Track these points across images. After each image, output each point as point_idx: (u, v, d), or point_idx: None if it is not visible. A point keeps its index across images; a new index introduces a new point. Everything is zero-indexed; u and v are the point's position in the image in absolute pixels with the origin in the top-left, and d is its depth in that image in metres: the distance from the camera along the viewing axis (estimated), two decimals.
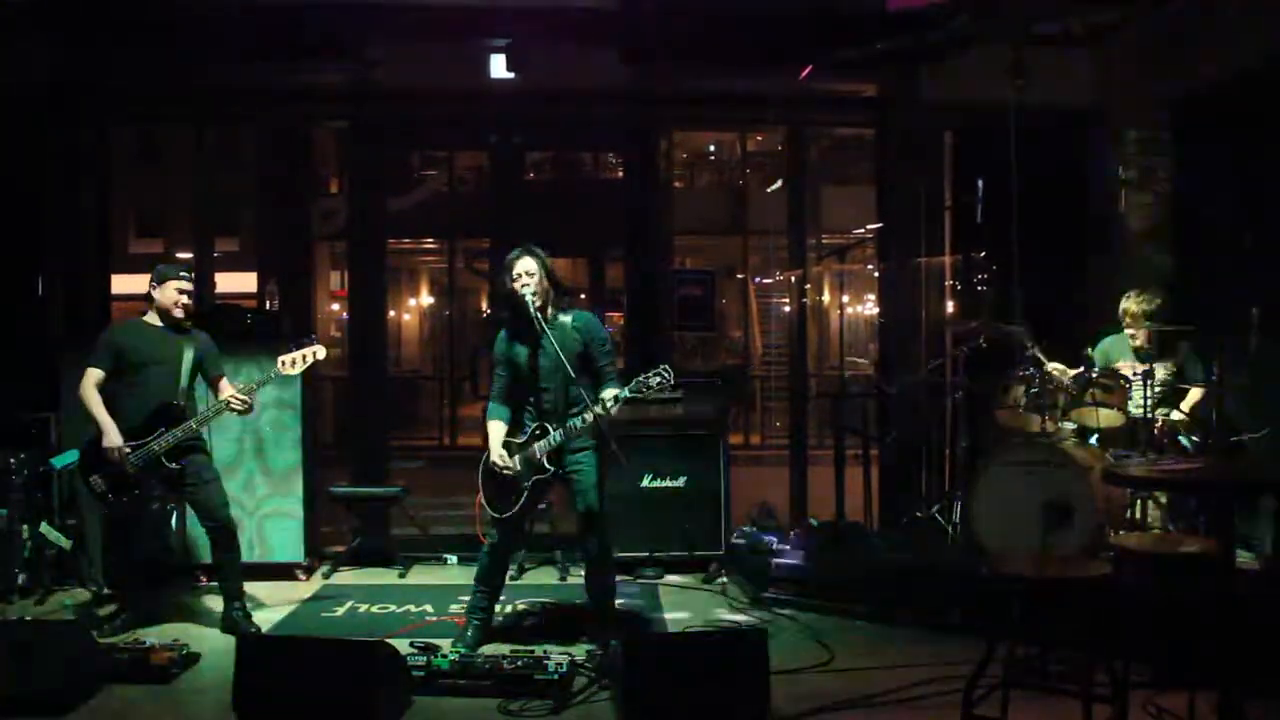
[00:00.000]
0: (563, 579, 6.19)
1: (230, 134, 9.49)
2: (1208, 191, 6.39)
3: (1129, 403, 5.42)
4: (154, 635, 4.93)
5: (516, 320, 4.70)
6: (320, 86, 7.15)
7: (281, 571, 6.17)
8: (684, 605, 5.65)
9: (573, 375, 4.51)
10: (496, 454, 4.65)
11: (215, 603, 5.29)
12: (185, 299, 5.07)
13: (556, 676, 4.14)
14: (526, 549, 6.41)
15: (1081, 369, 5.75)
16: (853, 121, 8.47)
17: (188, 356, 5.06)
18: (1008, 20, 6.14)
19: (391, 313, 15.75)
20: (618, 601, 5.08)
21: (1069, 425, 5.74)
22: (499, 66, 6.59)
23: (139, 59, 6.60)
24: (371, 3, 6.47)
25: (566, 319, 4.67)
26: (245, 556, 5.38)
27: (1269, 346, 5.21)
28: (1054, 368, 5.68)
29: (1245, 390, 5.55)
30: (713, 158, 18.47)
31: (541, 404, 4.68)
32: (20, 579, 5.77)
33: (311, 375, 5.38)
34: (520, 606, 5.54)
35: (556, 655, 4.29)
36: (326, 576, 6.33)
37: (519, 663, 4.22)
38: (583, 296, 10.53)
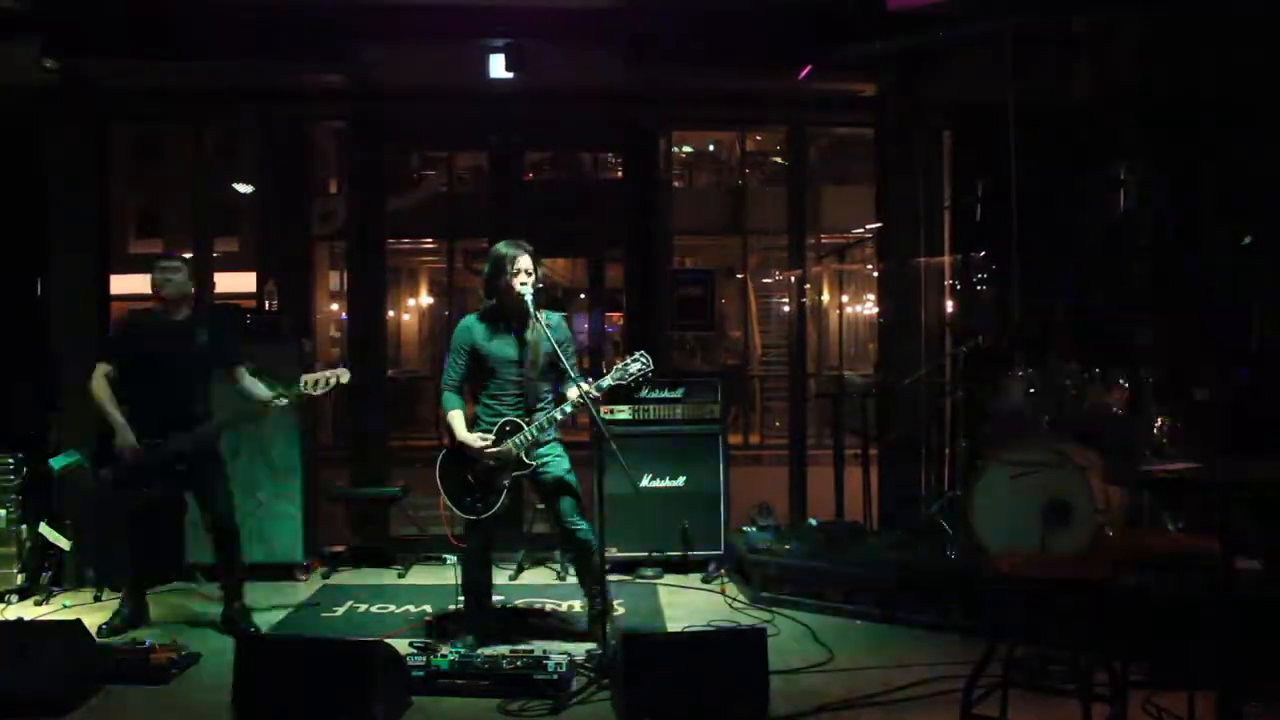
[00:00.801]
0: (561, 578, 6.19)
1: (230, 134, 9.48)
2: (1207, 191, 6.39)
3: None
4: (153, 635, 4.94)
5: (499, 313, 4.71)
6: (320, 86, 7.15)
7: (281, 571, 6.18)
8: (683, 605, 5.66)
9: (549, 371, 4.61)
10: (475, 440, 4.62)
11: (214, 602, 5.30)
12: (165, 275, 4.98)
13: (555, 676, 4.14)
14: (525, 549, 6.42)
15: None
16: (853, 121, 8.45)
17: (201, 350, 5.04)
18: (1008, 20, 6.13)
19: (391, 313, 15.74)
20: (617, 602, 5.09)
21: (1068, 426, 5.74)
22: (498, 66, 6.59)
23: (139, 59, 6.60)
24: (371, 3, 6.47)
25: (548, 318, 4.68)
26: (245, 556, 5.38)
27: (1268, 346, 5.21)
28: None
29: (1245, 390, 5.56)
30: (712, 157, 18.47)
31: (507, 398, 4.68)
32: (20, 579, 5.77)
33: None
34: (519, 606, 5.55)
35: (555, 655, 4.30)
36: (326, 576, 6.34)
37: (518, 662, 4.23)
38: (582, 296, 10.53)
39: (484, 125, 7.43)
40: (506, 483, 4.64)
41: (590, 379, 4.57)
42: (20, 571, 5.78)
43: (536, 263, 4.68)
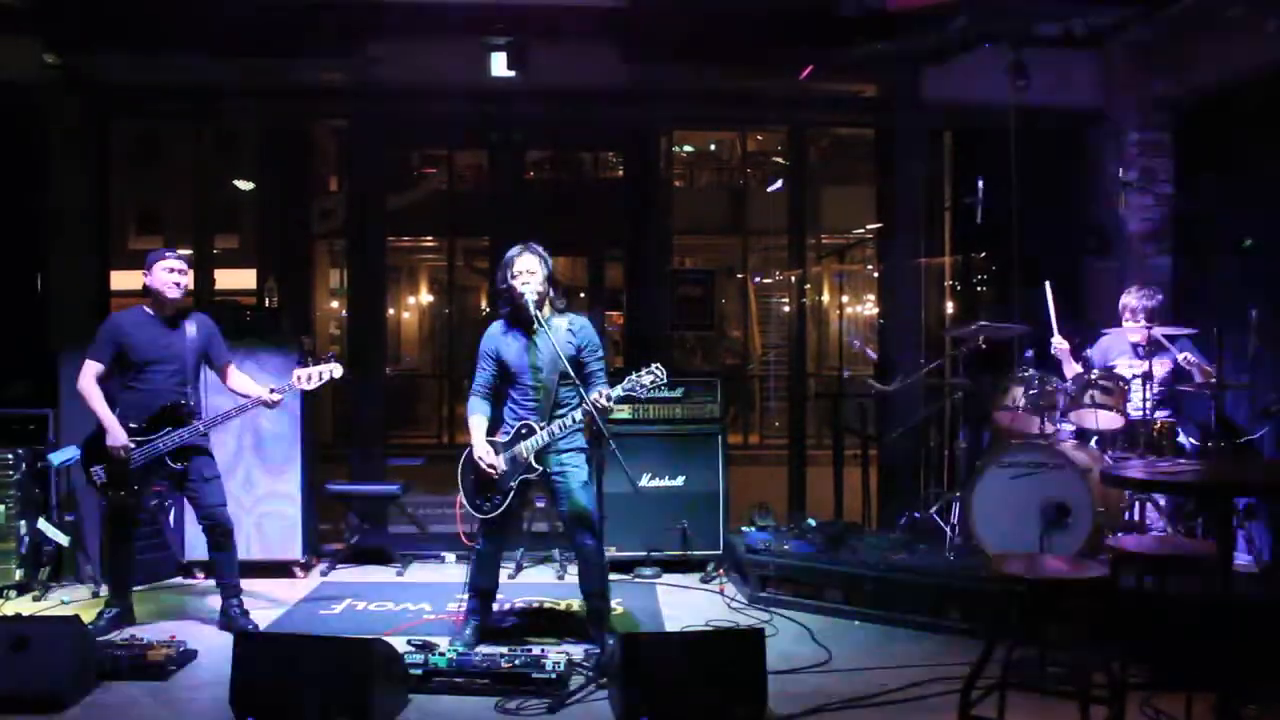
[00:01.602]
0: (560, 578, 6.19)
1: (230, 131, 9.48)
2: (1207, 192, 6.40)
3: (1127, 404, 5.42)
4: (151, 632, 4.93)
5: (513, 317, 4.70)
6: (320, 84, 7.14)
7: (279, 569, 6.18)
8: (682, 605, 5.65)
9: (565, 374, 4.52)
10: (481, 450, 4.64)
11: (213, 600, 5.29)
12: (177, 278, 4.99)
13: (554, 675, 4.14)
14: (525, 548, 6.42)
15: (1081, 369, 5.76)
16: (853, 121, 8.46)
17: (192, 346, 5.04)
18: (1008, 20, 6.13)
19: (390, 311, 15.72)
20: (615, 601, 5.09)
21: (1068, 426, 5.74)
22: (499, 65, 6.58)
23: (139, 56, 6.60)
24: (371, 1, 6.47)
25: (562, 321, 4.67)
26: (243, 554, 5.38)
27: (1268, 346, 5.21)
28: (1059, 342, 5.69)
29: (1245, 390, 5.56)
30: (712, 157, 18.46)
31: (528, 402, 4.68)
32: (18, 575, 5.77)
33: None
34: (518, 605, 5.54)
35: (554, 654, 4.30)
36: (324, 574, 6.34)
37: (516, 661, 4.22)
38: (582, 296, 10.52)
39: (484, 124, 7.42)
40: (514, 484, 4.64)
41: (605, 388, 4.54)
42: (19, 567, 5.78)
43: (543, 262, 4.64)
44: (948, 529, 5.83)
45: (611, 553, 5.99)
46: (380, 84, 7.01)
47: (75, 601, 5.64)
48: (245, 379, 5.17)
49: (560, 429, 4.57)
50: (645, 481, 6.28)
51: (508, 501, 4.65)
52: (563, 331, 4.65)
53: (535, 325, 4.57)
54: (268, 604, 5.55)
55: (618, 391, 4.48)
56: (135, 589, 5.35)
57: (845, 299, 11.60)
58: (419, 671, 4.21)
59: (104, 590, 5.61)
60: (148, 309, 5.06)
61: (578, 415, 4.51)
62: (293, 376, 5.02)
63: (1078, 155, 7.24)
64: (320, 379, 5.03)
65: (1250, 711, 3.63)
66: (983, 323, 5.87)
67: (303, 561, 6.27)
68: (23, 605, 5.57)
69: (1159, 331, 5.41)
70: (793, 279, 7.89)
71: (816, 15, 6.40)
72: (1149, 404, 5.45)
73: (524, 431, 4.63)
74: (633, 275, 7.57)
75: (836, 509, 6.42)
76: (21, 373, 6.46)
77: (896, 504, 6.82)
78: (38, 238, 6.86)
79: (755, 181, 15.55)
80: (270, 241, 7.52)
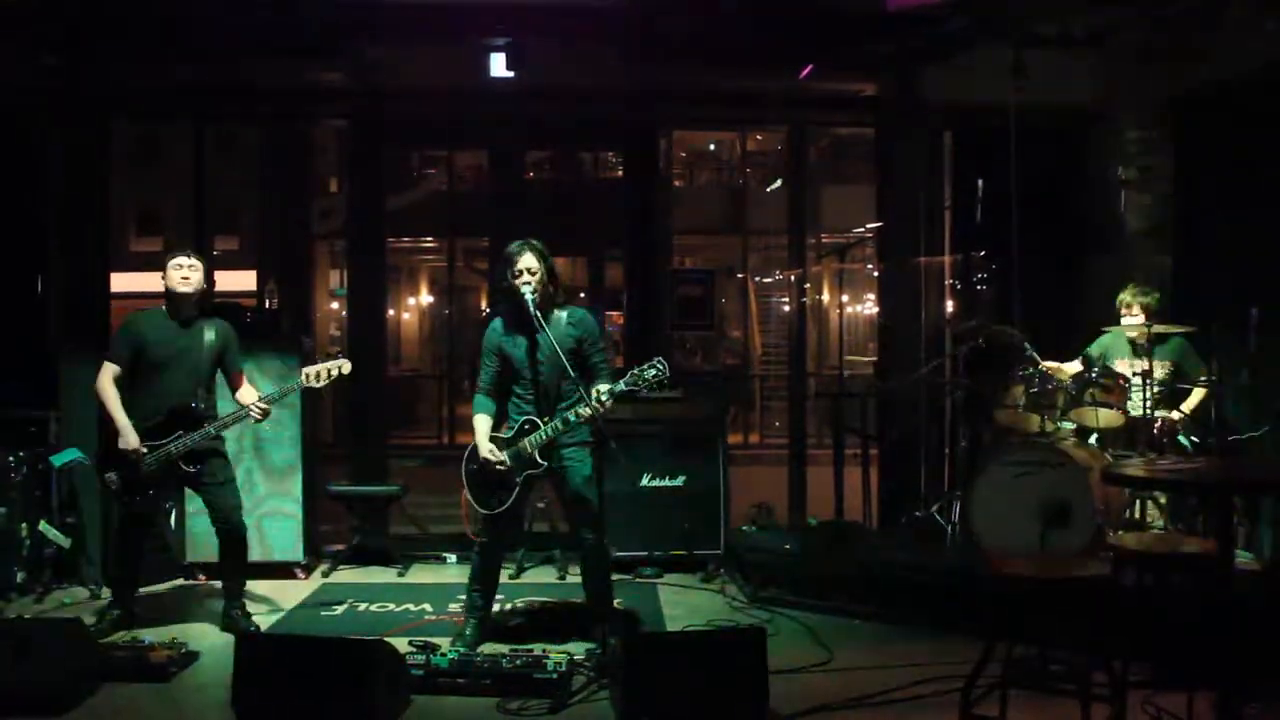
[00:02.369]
0: (562, 578, 6.18)
1: (230, 133, 9.50)
2: (1207, 191, 6.40)
3: (1128, 403, 5.43)
4: (153, 634, 4.93)
5: (514, 314, 4.71)
6: (320, 85, 7.15)
7: (280, 570, 6.18)
8: (683, 604, 5.65)
9: (567, 371, 4.52)
10: (486, 448, 4.64)
11: (214, 601, 5.29)
12: (186, 273, 4.96)
13: (555, 675, 4.13)
14: (525, 547, 6.42)
15: (1080, 368, 5.76)
16: (853, 121, 8.48)
17: (208, 350, 5.01)
18: (1008, 20, 6.13)
19: (391, 311, 15.74)
20: (616, 600, 5.09)
21: (1068, 425, 5.74)
22: (499, 65, 6.58)
23: (139, 58, 6.60)
24: (371, 1, 6.47)
25: (562, 315, 4.68)
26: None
27: (1268, 346, 5.21)
28: (1049, 366, 5.68)
29: (1245, 390, 5.56)
30: (712, 157, 18.47)
31: (531, 398, 4.68)
32: (19, 577, 5.77)
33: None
34: (519, 605, 5.54)
35: (555, 654, 4.29)
36: (325, 575, 6.33)
37: (518, 661, 4.22)
38: (582, 295, 10.53)
39: (484, 124, 7.43)
40: (519, 480, 4.65)
41: (606, 384, 4.54)
42: (20, 569, 5.77)
43: (544, 259, 4.65)
44: (948, 528, 5.83)
45: (612, 552, 5.99)
46: (380, 84, 7.01)
47: (76, 603, 5.64)
48: (252, 390, 5.13)
49: (564, 425, 4.58)
50: (646, 481, 6.27)
51: (513, 497, 4.66)
52: (563, 325, 4.65)
53: (536, 323, 4.58)
54: (269, 605, 5.55)
55: (620, 386, 4.47)
56: (137, 591, 5.34)
57: (845, 298, 11.59)
58: (421, 672, 4.21)
59: (105, 592, 5.61)
60: (166, 309, 5.04)
61: (582, 411, 4.50)
62: (300, 374, 5.01)
63: (1077, 154, 7.24)
64: (330, 376, 5.02)
65: (1251, 710, 3.63)
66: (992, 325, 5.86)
67: (304, 563, 6.27)
68: (24, 607, 5.57)
69: (1158, 328, 5.41)
70: (792, 278, 7.90)
71: (816, 15, 6.41)
72: (1149, 403, 5.45)
73: (527, 427, 4.64)
74: (633, 275, 7.58)
75: (837, 508, 6.41)
76: (22, 374, 6.45)
77: (897, 503, 6.82)
78: (38, 239, 6.86)
79: (755, 181, 15.57)
80: (270, 243, 7.54)
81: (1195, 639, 3.79)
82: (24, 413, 6.17)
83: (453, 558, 6.62)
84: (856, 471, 6.55)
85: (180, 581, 6.11)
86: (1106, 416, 5.47)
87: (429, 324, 20.19)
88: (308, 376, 4.98)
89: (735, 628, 5.00)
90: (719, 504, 6.34)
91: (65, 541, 5.84)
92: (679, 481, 6.34)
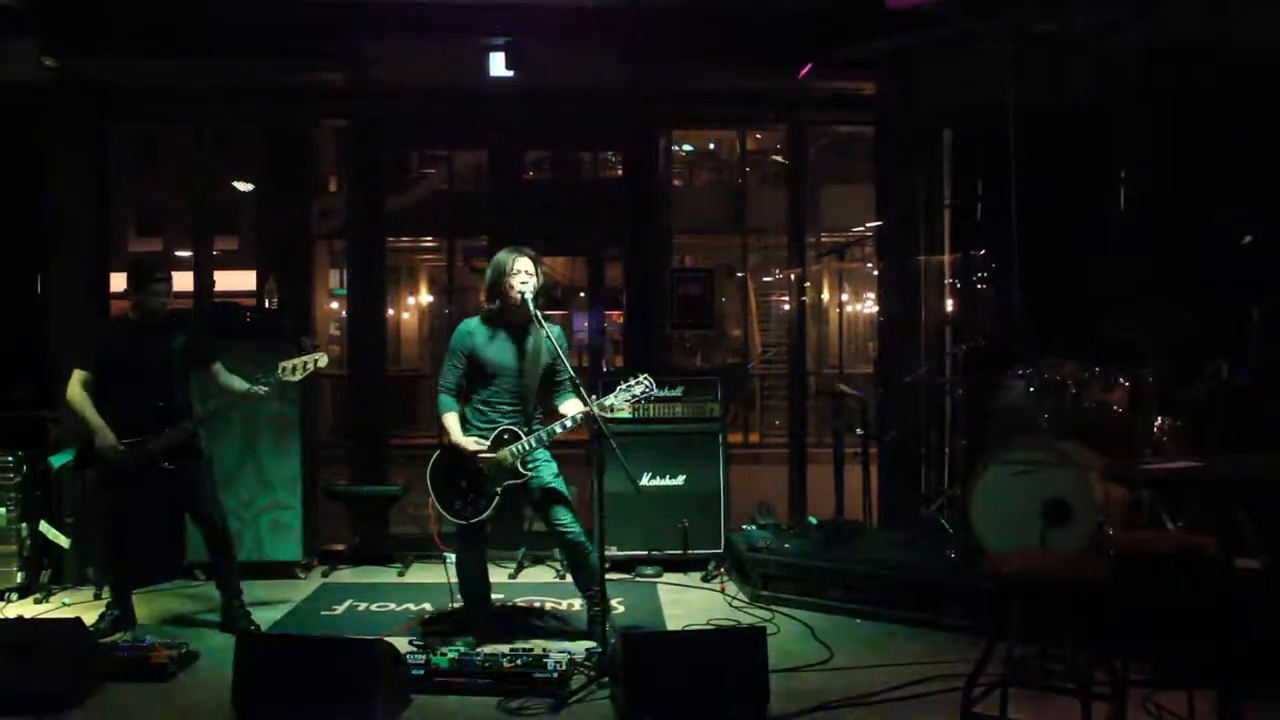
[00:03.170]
0: (561, 577, 6.19)
1: (229, 133, 9.48)
2: (1206, 191, 6.39)
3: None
4: (153, 634, 4.94)
5: (499, 315, 4.70)
6: (319, 85, 7.13)
7: (281, 570, 6.18)
8: (683, 604, 5.66)
9: (546, 379, 4.58)
10: (468, 443, 4.61)
11: (214, 601, 5.29)
12: (162, 299, 5.02)
13: (555, 674, 4.14)
14: (525, 547, 6.42)
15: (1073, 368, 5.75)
16: (852, 120, 8.45)
17: (177, 352, 5.05)
18: (1008, 20, 6.13)
19: (390, 311, 15.75)
20: (617, 600, 5.09)
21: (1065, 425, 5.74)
22: (498, 65, 6.58)
23: (138, 57, 6.59)
24: (370, 1, 6.46)
25: (548, 326, 4.66)
26: (245, 555, 5.40)
27: (1268, 346, 5.20)
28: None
29: (1245, 390, 5.55)
30: (712, 156, 18.48)
31: (504, 405, 4.66)
32: (19, 577, 5.77)
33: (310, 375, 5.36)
34: (519, 605, 5.55)
35: (555, 653, 4.30)
36: (325, 575, 6.34)
37: (518, 661, 4.23)
38: (582, 295, 10.54)
39: (484, 124, 7.42)
40: (498, 490, 4.63)
41: (594, 396, 4.55)
42: (20, 570, 5.78)
43: (538, 267, 4.66)
44: (948, 527, 5.83)
45: (612, 552, 6.00)
46: (380, 84, 7.01)
47: (77, 603, 5.64)
48: (233, 378, 5.16)
49: (548, 435, 4.57)
50: (646, 481, 6.28)
51: (492, 507, 4.63)
52: (546, 337, 4.64)
53: (534, 327, 4.57)
54: (269, 605, 5.55)
55: (610, 400, 4.49)
56: (137, 591, 5.35)
57: (845, 297, 11.60)
58: (421, 672, 4.21)
59: (105, 592, 5.62)
60: (132, 315, 5.07)
61: (568, 423, 4.51)
62: (278, 368, 5.02)
63: (1076, 152, 7.23)
64: (305, 369, 5.02)
65: (1252, 710, 3.63)
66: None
67: (304, 562, 6.27)
68: (24, 607, 5.57)
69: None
70: (792, 277, 7.89)
71: (816, 14, 6.40)
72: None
73: (506, 437, 4.60)
74: (632, 275, 7.57)
75: (837, 507, 6.41)
76: (21, 375, 6.46)
77: (897, 502, 6.82)
78: (37, 240, 6.86)
79: (754, 180, 15.56)
80: (270, 242, 7.51)
81: (1195, 638, 3.79)
82: (24, 413, 6.19)
83: (452, 557, 6.61)
84: (856, 470, 6.55)
85: (180, 581, 6.12)
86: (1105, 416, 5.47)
87: (429, 323, 20.19)
88: (284, 369, 5.00)
89: (735, 627, 5.01)
90: (719, 503, 6.35)
91: (65, 541, 5.85)
92: (679, 481, 6.35)
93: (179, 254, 10.63)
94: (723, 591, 5.87)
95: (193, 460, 5.06)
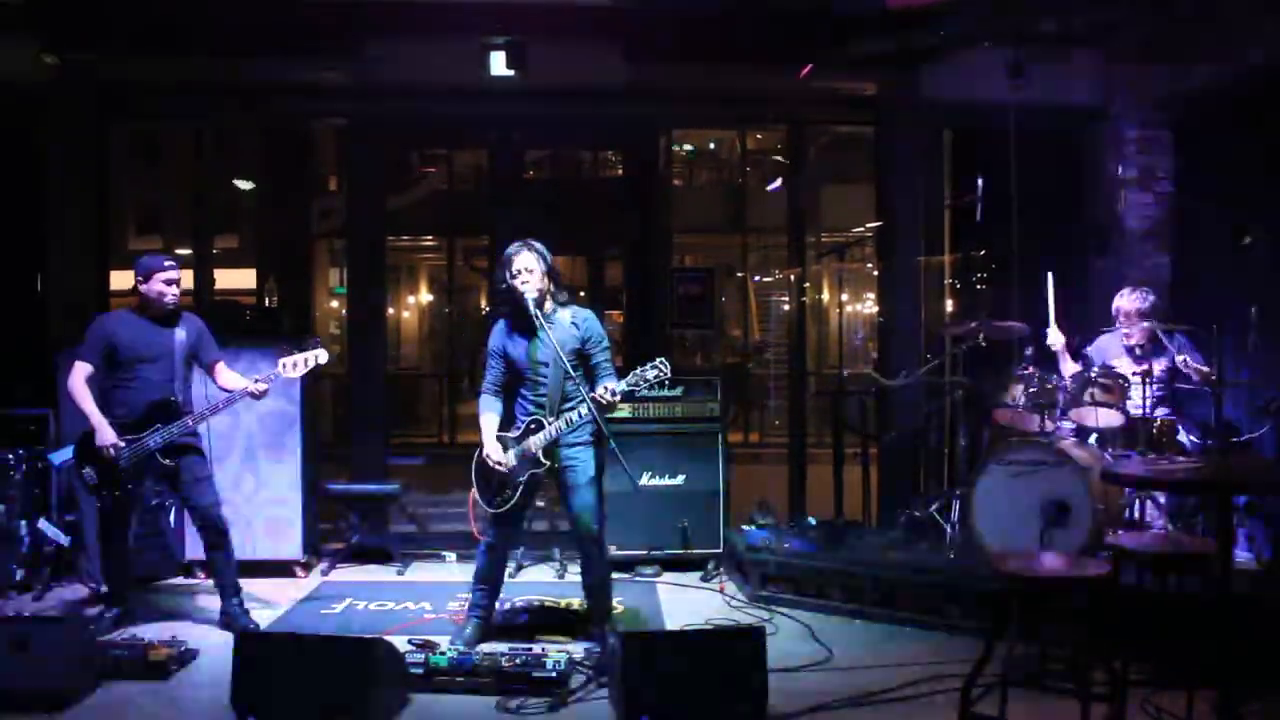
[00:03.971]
0: (561, 576, 6.19)
1: (230, 132, 9.48)
2: (1208, 191, 6.40)
3: (1127, 402, 5.42)
4: (152, 632, 4.94)
5: (515, 314, 4.71)
6: (319, 84, 7.14)
7: (280, 569, 6.18)
8: (682, 603, 5.66)
9: (568, 370, 4.52)
10: (491, 448, 4.66)
11: (213, 599, 5.29)
12: (174, 289, 5.01)
13: (554, 674, 4.14)
14: (525, 546, 6.42)
15: (1078, 367, 5.76)
16: (853, 120, 8.45)
17: (180, 347, 5.04)
18: (1008, 20, 6.13)
19: (390, 310, 15.73)
20: (616, 600, 5.09)
21: (1068, 424, 5.74)
22: (499, 64, 6.58)
23: (139, 55, 6.60)
24: (371, 1, 6.46)
25: (565, 314, 4.69)
26: (243, 554, 5.38)
27: (1268, 346, 5.21)
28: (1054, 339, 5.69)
29: (1245, 390, 5.56)
30: (712, 156, 18.46)
31: (536, 398, 4.70)
32: (18, 575, 5.77)
33: (311, 373, 5.37)
34: (518, 604, 5.54)
35: (554, 653, 4.29)
36: (325, 574, 6.34)
37: (517, 660, 4.22)
38: (582, 294, 10.52)
39: (484, 123, 7.42)
40: (523, 479, 4.66)
41: (611, 381, 4.56)
42: (19, 567, 5.78)
43: (542, 259, 4.66)
44: (948, 527, 5.83)
45: (612, 551, 5.98)
46: (380, 84, 7.00)
47: (76, 601, 5.64)
48: (234, 375, 5.16)
49: (567, 424, 4.58)
50: (645, 480, 6.27)
51: (517, 496, 4.67)
52: (566, 325, 4.66)
53: (536, 322, 4.58)
54: (268, 604, 5.55)
55: (622, 386, 4.49)
56: (135, 589, 5.34)
57: (845, 298, 11.58)
58: (419, 671, 4.21)
59: (104, 590, 5.61)
60: (134, 310, 5.06)
61: (584, 410, 4.52)
62: (278, 365, 5.01)
63: (1077, 153, 7.24)
64: (305, 365, 5.02)
65: (1251, 709, 3.63)
66: (988, 321, 5.87)
67: (303, 561, 6.27)
68: (23, 605, 5.57)
69: (1158, 327, 5.41)
70: (792, 277, 7.89)
71: (816, 14, 6.40)
72: (1149, 402, 5.45)
73: (534, 427, 4.65)
74: (632, 274, 7.58)
75: (837, 507, 6.41)
76: (21, 373, 6.46)
77: (897, 502, 6.81)
78: (37, 238, 6.86)
79: (755, 180, 15.55)
80: (270, 241, 7.53)
81: (1195, 638, 3.79)
82: (23, 412, 6.19)
83: (452, 556, 6.63)
84: (856, 470, 6.55)
85: (180, 580, 6.12)
86: (1105, 415, 5.47)
87: (429, 323, 20.17)
88: (284, 366, 5.00)
89: (735, 627, 5.01)
90: (719, 503, 6.35)
91: (64, 539, 5.85)
92: (679, 480, 6.35)
93: (179, 253, 10.66)
94: (722, 591, 5.87)
95: (192, 457, 5.05)
